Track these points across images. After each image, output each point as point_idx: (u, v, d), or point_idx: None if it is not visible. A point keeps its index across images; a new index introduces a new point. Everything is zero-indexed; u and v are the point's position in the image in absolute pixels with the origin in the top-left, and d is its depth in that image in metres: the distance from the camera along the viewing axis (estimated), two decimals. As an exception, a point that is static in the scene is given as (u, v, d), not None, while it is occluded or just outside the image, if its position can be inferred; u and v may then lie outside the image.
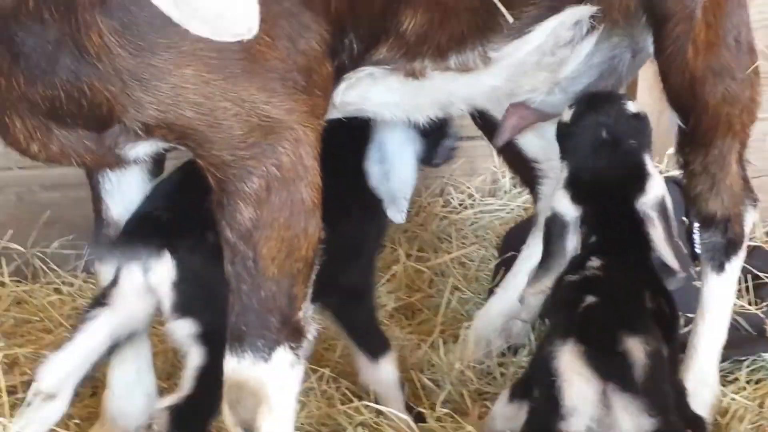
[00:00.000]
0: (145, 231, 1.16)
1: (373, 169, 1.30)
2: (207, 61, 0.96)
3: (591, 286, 1.22)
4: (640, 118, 1.31)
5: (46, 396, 1.25)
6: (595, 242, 1.28)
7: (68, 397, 1.25)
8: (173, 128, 1.01)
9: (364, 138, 1.32)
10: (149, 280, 1.13)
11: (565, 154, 1.31)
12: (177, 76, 0.95)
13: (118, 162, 1.11)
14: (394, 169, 1.31)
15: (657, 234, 1.25)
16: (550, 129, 1.42)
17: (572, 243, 1.28)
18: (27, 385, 1.30)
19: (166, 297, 1.13)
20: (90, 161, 1.08)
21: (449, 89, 1.29)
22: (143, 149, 1.07)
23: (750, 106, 1.34)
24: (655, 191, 1.25)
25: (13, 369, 1.47)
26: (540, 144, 1.56)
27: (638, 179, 1.27)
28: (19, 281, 1.75)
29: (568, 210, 1.28)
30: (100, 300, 1.20)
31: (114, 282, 1.18)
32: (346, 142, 1.28)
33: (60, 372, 1.22)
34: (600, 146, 1.28)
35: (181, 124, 0.99)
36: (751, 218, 1.41)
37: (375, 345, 1.39)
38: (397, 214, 1.30)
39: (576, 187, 1.30)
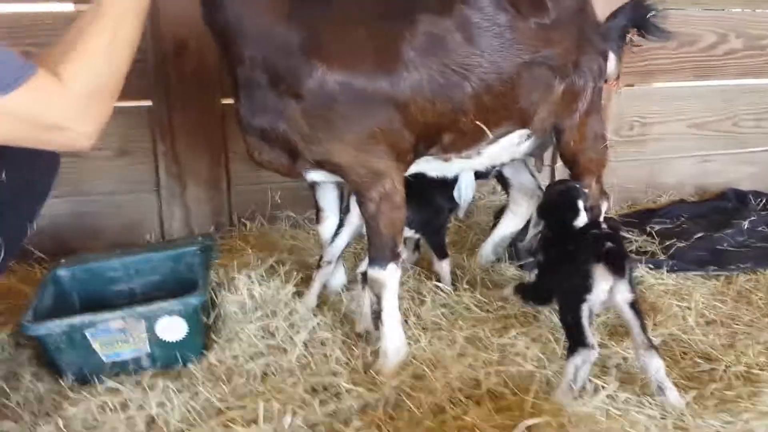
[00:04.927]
0: None
1: (456, 193, 2.33)
2: None
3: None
4: (577, 188, 2.21)
5: (327, 262, 2.28)
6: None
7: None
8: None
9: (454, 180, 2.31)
10: None
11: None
12: None
13: None
14: (462, 192, 2.34)
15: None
16: (512, 168, 2.53)
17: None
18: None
19: None
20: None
21: (462, 165, 2.17)
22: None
23: (601, 162, 2.31)
24: (582, 218, 2.12)
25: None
26: (509, 172, 2.56)
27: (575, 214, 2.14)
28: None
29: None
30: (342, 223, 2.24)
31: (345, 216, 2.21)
32: (446, 183, 2.30)
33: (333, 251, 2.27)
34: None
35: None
36: (604, 207, 2.41)
37: (440, 252, 2.41)
38: (462, 211, 2.38)
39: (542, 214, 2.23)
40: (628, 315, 1.86)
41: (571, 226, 2.12)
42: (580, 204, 2.15)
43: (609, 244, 1.89)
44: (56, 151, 1.99)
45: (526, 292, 2.29)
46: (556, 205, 2.19)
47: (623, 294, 1.86)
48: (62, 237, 2.72)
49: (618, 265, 1.85)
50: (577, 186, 2.22)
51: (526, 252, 2.48)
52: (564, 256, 2.01)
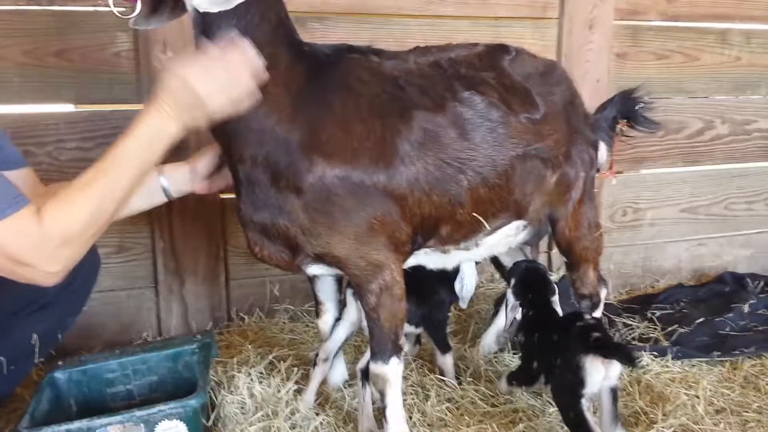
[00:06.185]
0: None
1: (458, 284, 2.32)
2: None
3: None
4: (543, 269, 2.32)
5: (323, 360, 2.25)
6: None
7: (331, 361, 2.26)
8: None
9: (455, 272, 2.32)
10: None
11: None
12: None
13: None
14: (465, 283, 2.33)
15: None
16: (509, 255, 2.53)
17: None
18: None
19: None
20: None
21: (461, 257, 2.19)
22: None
23: (597, 250, 2.35)
24: (556, 296, 2.25)
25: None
26: (506, 260, 2.59)
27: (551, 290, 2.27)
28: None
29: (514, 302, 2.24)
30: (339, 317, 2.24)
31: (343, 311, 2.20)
32: (446, 276, 2.31)
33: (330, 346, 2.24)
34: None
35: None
36: (603, 293, 2.45)
37: (443, 346, 2.39)
38: (464, 303, 2.36)
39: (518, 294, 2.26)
40: (606, 399, 1.91)
41: (549, 304, 2.19)
42: (551, 279, 2.24)
43: (595, 333, 1.92)
44: (96, 253, 2.05)
45: (517, 379, 2.27)
46: (531, 283, 2.24)
47: (610, 381, 1.89)
48: (59, 337, 2.67)
49: (608, 353, 1.87)
50: (539, 263, 2.34)
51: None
52: (550, 344, 2.05)
